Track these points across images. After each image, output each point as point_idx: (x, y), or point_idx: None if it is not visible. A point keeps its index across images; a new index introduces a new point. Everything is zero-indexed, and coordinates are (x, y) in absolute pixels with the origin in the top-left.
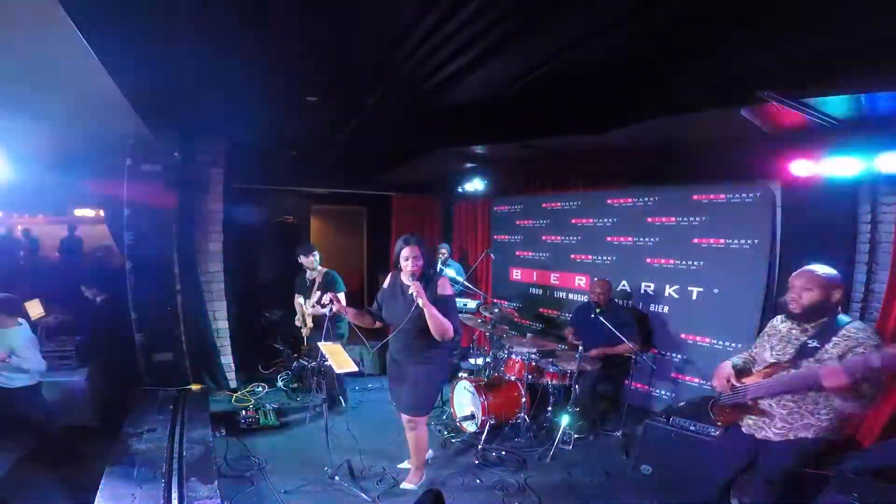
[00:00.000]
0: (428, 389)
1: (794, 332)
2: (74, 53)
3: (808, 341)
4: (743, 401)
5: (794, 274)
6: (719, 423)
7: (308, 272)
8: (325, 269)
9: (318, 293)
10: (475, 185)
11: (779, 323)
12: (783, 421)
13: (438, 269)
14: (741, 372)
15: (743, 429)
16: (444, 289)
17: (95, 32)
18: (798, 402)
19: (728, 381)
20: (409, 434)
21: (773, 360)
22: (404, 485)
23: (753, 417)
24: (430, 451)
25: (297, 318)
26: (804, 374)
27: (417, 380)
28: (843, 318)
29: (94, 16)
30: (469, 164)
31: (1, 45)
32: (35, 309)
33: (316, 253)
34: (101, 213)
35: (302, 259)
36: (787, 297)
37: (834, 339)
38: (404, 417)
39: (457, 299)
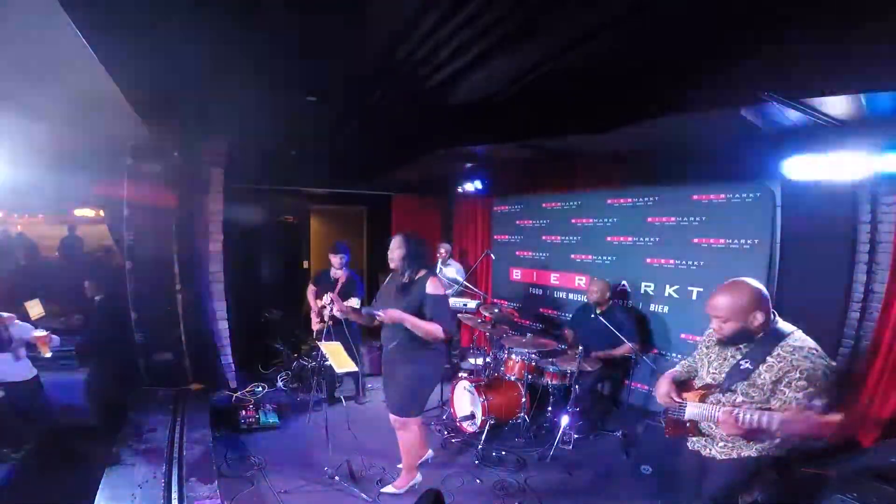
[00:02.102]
0: (413, 390)
1: (730, 349)
2: (74, 53)
3: (742, 362)
4: (682, 419)
5: (710, 299)
6: (667, 435)
7: (332, 270)
8: (348, 272)
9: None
10: (475, 185)
11: (715, 339)
12: (724, 441)
13: (437, 269)
14: (682, 384)
15: (689, 445)
16: (436, 288)
17: (95, 32)
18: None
19: (669, 396)
20: (398, 434)
21: (709, 381)
22: (387, 489)
23: (695, 438)
24: (430, 451)
25: (312, 311)
26: (713, 413)
27: (404, 379)
28: (782, 329)
29: (94, 15)
30: (469, 164)
31: (1, 44)
32: (35, 309)
33: (343, 255)
34: (101, 213)
35: (332, 257)
36: (711, 324)
37: (769, 359)
38: (391, 417)
39: (457, 299)
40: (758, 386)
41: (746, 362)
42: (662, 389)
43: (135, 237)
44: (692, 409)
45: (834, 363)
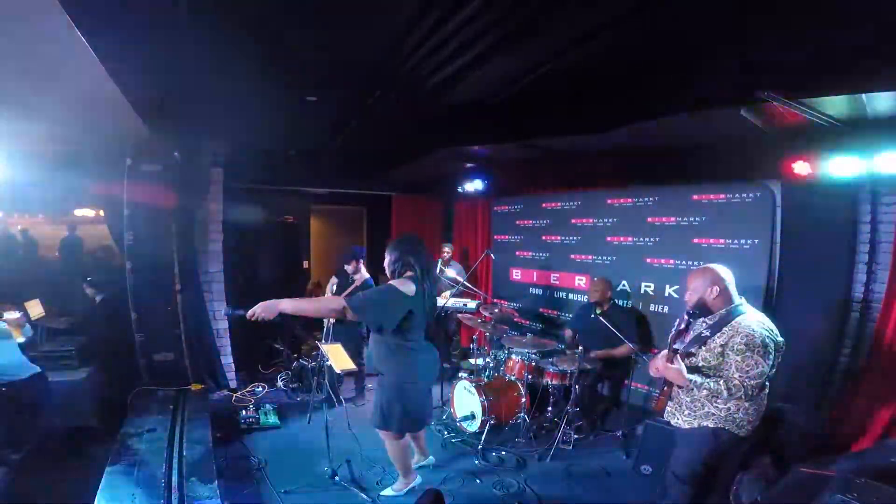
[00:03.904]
0: (383, 404)
1: (700, 324)
2: (74, 53)
3: (704, 331)
4: (661, 387)
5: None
6: (655, 409)
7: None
8: (367, 276)
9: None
10: (475, 185)
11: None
12: (688, 408)
13: (438, 269)
14: None
15: (664, 415)
16: (389, 284)
17: (95, 32)
18: (697, 391)
19: (657, 369)
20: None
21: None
22: (386, 492)
23: (671, 404)
24: (431, 458)
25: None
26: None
27: (376, 391)
28: (741, 309)
29: (94, 16)
30: (469, 164)
31: (1, 44)
32: (35, 309)
33: (360, 262)
34: (101, 213)
35: (346, 266)
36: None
37: (725, 328)
38: None
39: (457, 299)
40: (711, 349)
41: (707, 331)
42: (654, 363)
43: (135, 237)
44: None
45: (781, 339)
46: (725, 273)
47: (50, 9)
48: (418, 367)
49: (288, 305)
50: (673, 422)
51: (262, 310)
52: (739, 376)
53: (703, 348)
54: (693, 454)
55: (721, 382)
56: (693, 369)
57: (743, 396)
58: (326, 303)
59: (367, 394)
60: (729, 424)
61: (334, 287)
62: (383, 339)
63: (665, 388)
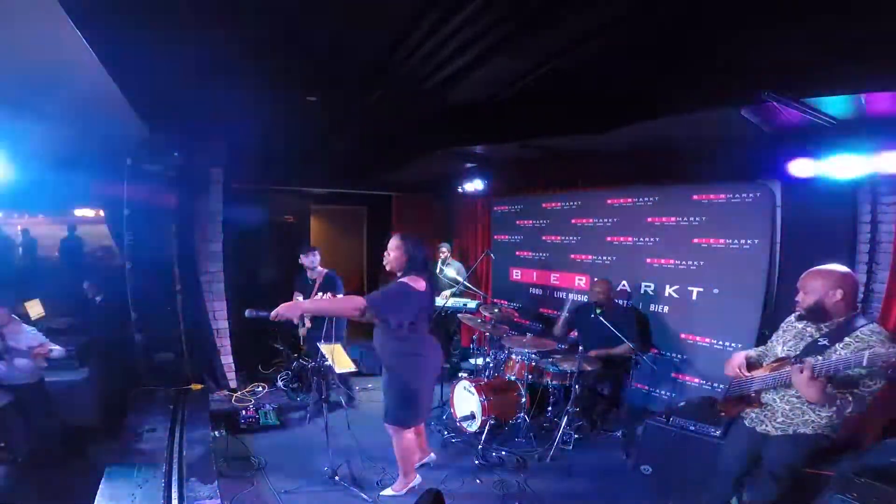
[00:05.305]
0: (397, 400)
1: (809, 329)
2: (74, 53)
3: (820, 339)
4: (747, 392)
5: (803, 274)
6: (723, 415)
7: (309, 272)
8: (325, 271)
9: (319, 294)
10: (475, 185)
11: (795, 319)
12: (784, 416)
13: (438, 269)
14: (752, 365)
15: (745, 422)
16: (399, 283)
17: (95, 32)
18: (801, 399)
19: (739, 368)
20: (392, 440)
21: (782, 356)
22: (386, 492)
23: (756, 411)
24: (432, 455)
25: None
26: (787, 373)
27: (388, 388)
28: (861, 319)
29: (94, 15)
30: (469, 164)
31: (1, 44)
32: (35, 309)
33: (316, 253)
34: (101, 213)
35: (302, 259)
36: (797, 296)
37: (846, 338)
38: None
39: (457, 299)
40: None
41: (824, 340)
42: (735, 362)
43: (135, 237)
44: (762, 377)
45: None
46: (851, 276)
47: (50, 9)
48: (427, 361)
49: (309, 306)
50: (759, 429)
51: (285, 310)
52: (868, 392)
53: (820, 357)
54: (795, 457)
55: (849, 397)
56: None
57: (861, 409)
58: (346, 302)
59: (363, 394)
60: (827, 430)
61: (300, 296)
62: (392, 335)
63: (753, 395)
